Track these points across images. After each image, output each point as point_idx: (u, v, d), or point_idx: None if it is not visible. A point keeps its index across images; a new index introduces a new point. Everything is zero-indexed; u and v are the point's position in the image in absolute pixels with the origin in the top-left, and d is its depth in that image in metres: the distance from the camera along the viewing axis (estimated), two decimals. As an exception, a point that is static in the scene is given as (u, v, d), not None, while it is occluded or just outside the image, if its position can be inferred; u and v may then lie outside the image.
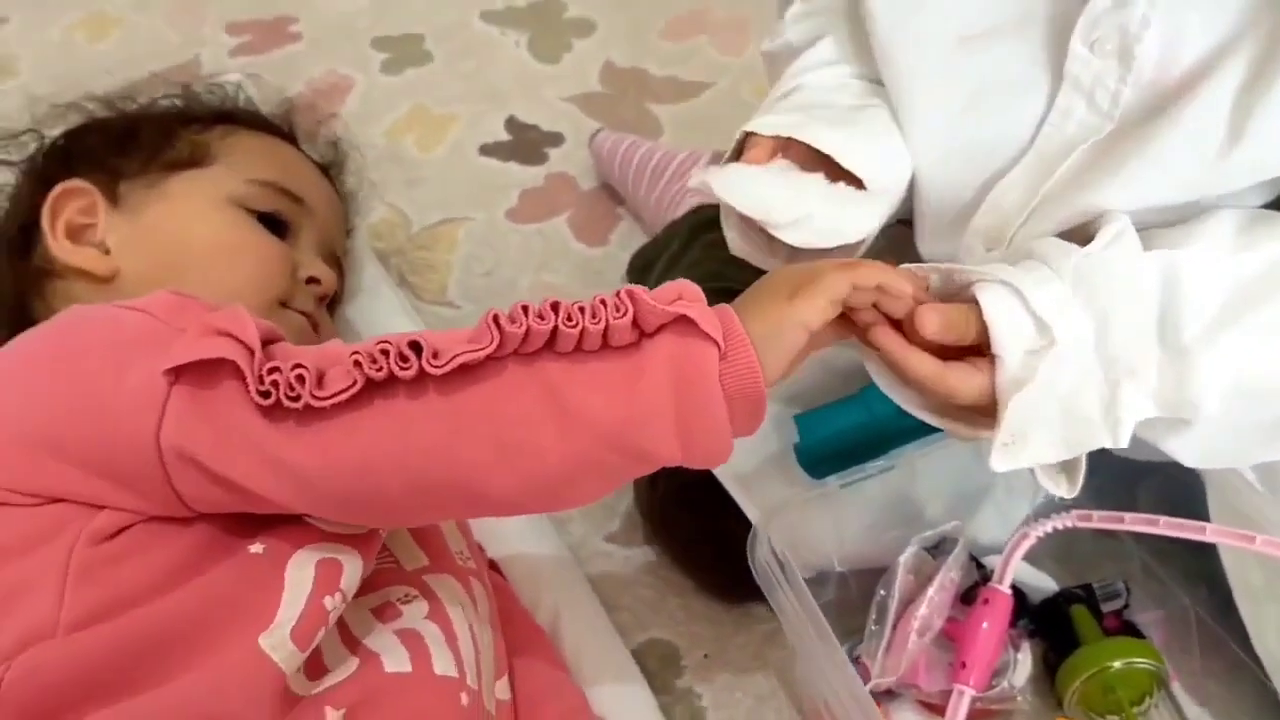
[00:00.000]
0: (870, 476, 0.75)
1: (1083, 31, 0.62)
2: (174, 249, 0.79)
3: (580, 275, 1.14)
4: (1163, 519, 0.71)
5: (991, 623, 0.74)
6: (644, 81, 1.37)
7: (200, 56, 1.41)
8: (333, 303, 0.93)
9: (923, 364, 0.60)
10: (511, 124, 1.32)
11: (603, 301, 0.56)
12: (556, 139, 1.29)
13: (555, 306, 0.56)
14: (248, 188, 0.82)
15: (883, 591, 0.77)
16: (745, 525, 0.77)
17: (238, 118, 0.90)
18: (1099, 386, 0.61)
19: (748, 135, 0.68)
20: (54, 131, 0.87)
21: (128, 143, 0.83)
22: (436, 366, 0.54)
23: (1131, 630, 0.80)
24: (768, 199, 0.65)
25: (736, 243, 0.70)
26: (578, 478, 0.57)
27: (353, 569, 0.61)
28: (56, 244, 0.78)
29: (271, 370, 0.54)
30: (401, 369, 0.54)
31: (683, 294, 0.57)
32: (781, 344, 0.57)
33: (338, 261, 0.92)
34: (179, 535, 0.59)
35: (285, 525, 0.61)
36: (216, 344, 0.55)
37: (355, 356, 0.54)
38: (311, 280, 0.84)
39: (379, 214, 1.19)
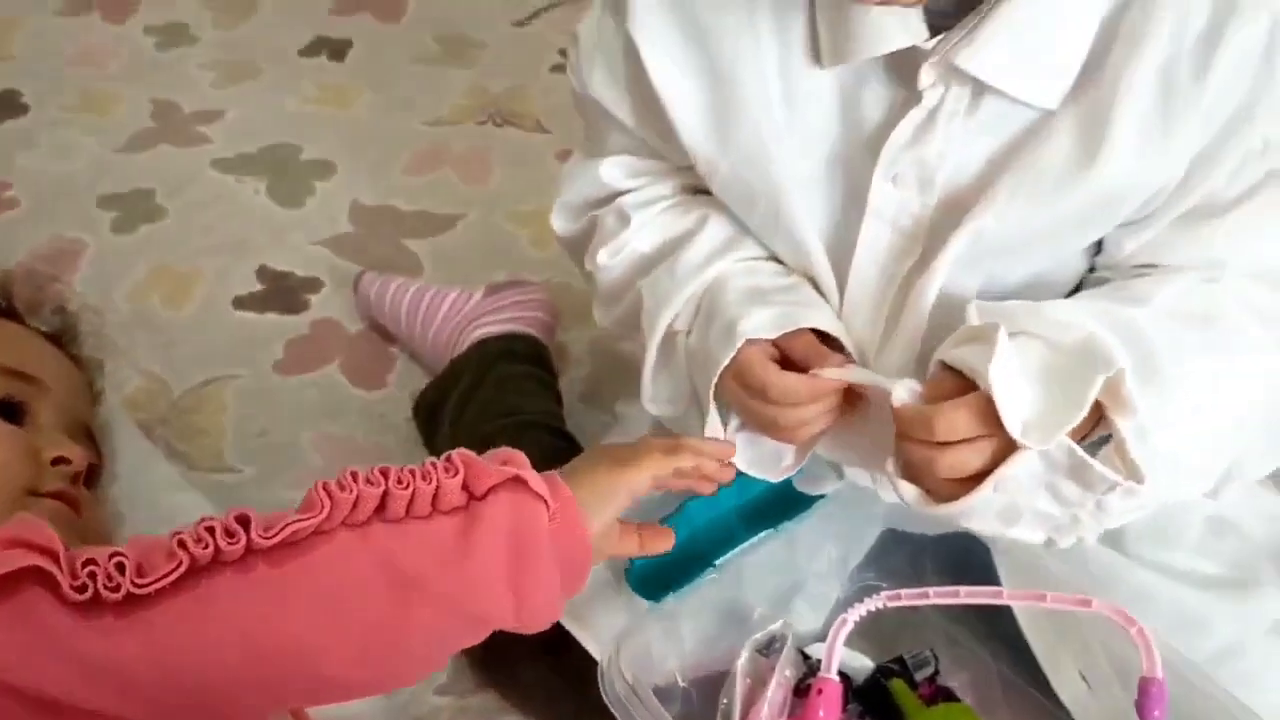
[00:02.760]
0: (700, 586, 0.78)
1: (883, 168, 0.68)
2: None
3: (365, 422, 1.12)
4: (962, 589, 0.75)
5: (827, 711, 0.78)
6: (395, 217, 1.36)
7: (-99, 234, 1.29)
8: (92, 480, 0.87)
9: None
10: (263, 273, 1.28)
11: (433, 464, 0.58)
12: (314, 284, 1.26)
13: (385, 472, 0.56)
14: None
15: (725, 700, 0.79)
16: (582, 652, 0.78)
17: None
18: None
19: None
20: None
21: None
22: (266, 538, 0.53)
23: (947, 695, 0.86)
24: None
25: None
26: (416, 645, 0.56)
27: None
28: None
29: (87, 563, 0.51)
30: (229, 544, 0.53)
31: (510, 459, 0.60)
32: (606, 507, 0.64)
33: (89, 434, 0.86)
34: None
35: None
36: (13, 555, 0.51)
37: (179, 537, 0.53)
38: (59, 460, 0.79)
39: (134, 383, 1.11)
